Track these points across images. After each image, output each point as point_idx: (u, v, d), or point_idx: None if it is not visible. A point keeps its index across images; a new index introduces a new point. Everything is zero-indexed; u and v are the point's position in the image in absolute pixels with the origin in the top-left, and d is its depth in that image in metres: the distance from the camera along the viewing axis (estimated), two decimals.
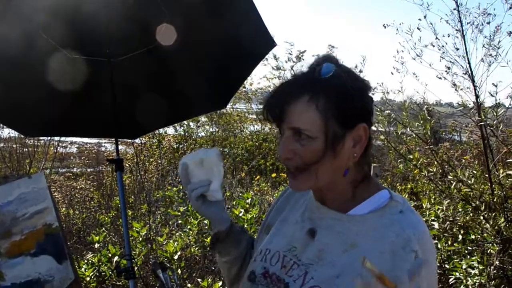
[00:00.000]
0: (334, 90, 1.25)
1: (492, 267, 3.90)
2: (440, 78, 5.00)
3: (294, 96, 1.26)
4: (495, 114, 4.51)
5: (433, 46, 5.03)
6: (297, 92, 1.26)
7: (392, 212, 1.31)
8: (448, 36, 4.97)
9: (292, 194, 1.60)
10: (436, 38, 5.02)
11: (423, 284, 1.22)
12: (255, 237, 1.67)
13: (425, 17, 5.02)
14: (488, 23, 4.79)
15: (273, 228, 1.55)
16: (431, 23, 5.00)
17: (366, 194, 1.36)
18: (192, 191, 1.46)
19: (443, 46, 4.98)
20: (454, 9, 4.83)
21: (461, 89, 4.83)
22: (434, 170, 4.89)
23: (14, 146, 8.56)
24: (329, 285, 1.27)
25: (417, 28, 5.06)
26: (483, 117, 4.55)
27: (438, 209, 4.64)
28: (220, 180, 1.46)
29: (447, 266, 4.17)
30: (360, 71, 5.42)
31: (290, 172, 1.32)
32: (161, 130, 9.93)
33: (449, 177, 4.72)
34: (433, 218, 4.59)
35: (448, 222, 4.59)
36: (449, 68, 4.92)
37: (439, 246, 4.29)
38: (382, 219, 1.29)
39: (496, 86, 4.58)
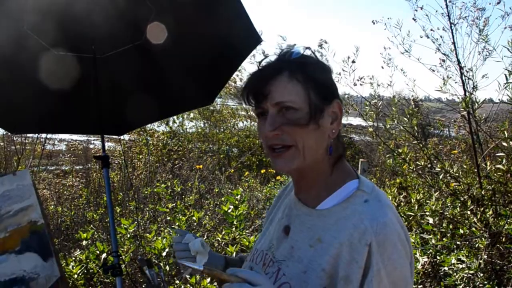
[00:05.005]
0: (309, 66, 1.33)
1: (480, 261, 3.92)
2: (433, 70, 5.03)
3: (274, 75, 1.31)
4: (477, 104, 4.54)
5: (428, 37, 5.06)
6: (276, 71, 1.32)
7: (356, 203, 1.31)
8: (443, 29, 5.00)
9: (281, 195, 1.66)
10: (426, 32, 5.05)
11: (379, 278, 1.20)
12: None
13: (416, 10, 5.05)
14: (486, 19, 4.82)
15: (264, 229, 1.62)
16: (426, 14, 5.03)
17: (337, 184, 1.37)
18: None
19: (437, 39, 5.01)
20: (450, 1, 4.85)
21: (455, 82, 4.86)
22: (422, 163, 4.91)
23: (2, 143, 8.48)
24: (298, 281, 1.29)
25: (413, 19, 5.09)
26: (470, 110, 4.57)
27: (433, 204, 4.65)
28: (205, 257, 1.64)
29: (436, 260, 4.18)
30: (353, 62, 5.44)
31: (276, 152, 1.33)
32: (149, 126, 9.92)
33: (437, 168, 4.74)
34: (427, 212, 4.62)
35: (437, 217, 4.60)
36: (444, 60, 4.95)
37: (433, 240, 4.31)
38: (346, 211, 1.30)
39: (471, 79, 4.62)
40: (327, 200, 1.36)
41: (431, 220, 4.52)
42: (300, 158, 1.31)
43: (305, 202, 1.42)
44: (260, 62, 1.40)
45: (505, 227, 4.17)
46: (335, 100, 1.35)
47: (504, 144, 4.46)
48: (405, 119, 5.10)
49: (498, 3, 4.92)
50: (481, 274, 3.87)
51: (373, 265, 1.19)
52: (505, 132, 4.33)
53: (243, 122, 13.62)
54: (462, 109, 4.69)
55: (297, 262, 1.32)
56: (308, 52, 1.38)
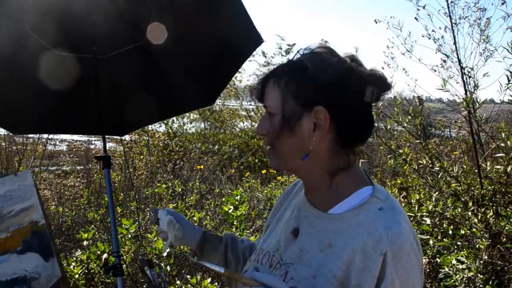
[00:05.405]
0: (295, 71, 1.32)
1: (481, 262, 3.91)
2: (435, 70, 5.01)
3: (267, 79, 1.37)
4: (477, 103, 4.54)
5: (430, 37, 5.05)
6: (269, 76, 1.37)
7: (369, 210, 1.28)
8: (445, 30, 4.99)
9: (289, 193, 1.64)
10: (428, 32, 5.04)
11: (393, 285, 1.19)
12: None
13: (418, 9, 5.04)
14: (488, 19, 4.81)
15: (270, 227, 1.59)
16: (428, 14, 5.01)
17: (349, 190, 1.34)
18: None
19: (438, 39, 5.00)
20: (451, 1, 4.85)
21: (457, 82, 4.85)
22: (424, 162, 4.90)
23: (3, 144, 8.49)
24: (307, 285, 1.27)
25: (415, 18, 5.08)
26: (471, 109, 4.56)
27: (429, 204, 4.64)
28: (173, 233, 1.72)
29: (436, 261, 4.18)
30: None
31: (268, 150, 1.41)
32: (150, 127, 9.92)
33: (436, 168, 4.73)
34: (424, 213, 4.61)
35: (437, 218, 4.59)
36: (444, 61, 4.94)
37: (430, 241, 4.30)
38: (358, 217, 1.28)
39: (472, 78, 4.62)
40: (339, 205, 1.34)
41: (428, 221, 4.52)
42: (278, 160, 1.38)
43: (314, 203, 1.40)
44: None
45: (506, 228, 4.16)
46: (318, 106, 1.26)
47: (503, 144, 4.47)
48: (409, 117, 5.08)
49: (503, 4, 4.91)
50: (481, 275, 3.86)
51: (387, 275, 1.18)
52: (502, 134, 4.34)
53: (243, 123, 13.60)
54: (463, 109, 4.68)
55: (306, 266, 1.30)
56: (312, 54, 1.35)
